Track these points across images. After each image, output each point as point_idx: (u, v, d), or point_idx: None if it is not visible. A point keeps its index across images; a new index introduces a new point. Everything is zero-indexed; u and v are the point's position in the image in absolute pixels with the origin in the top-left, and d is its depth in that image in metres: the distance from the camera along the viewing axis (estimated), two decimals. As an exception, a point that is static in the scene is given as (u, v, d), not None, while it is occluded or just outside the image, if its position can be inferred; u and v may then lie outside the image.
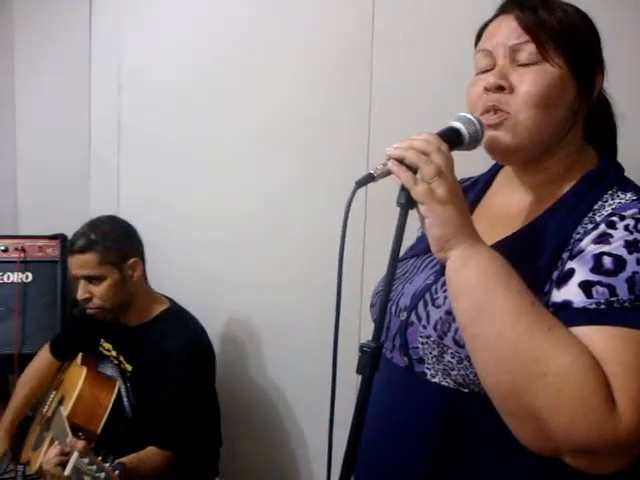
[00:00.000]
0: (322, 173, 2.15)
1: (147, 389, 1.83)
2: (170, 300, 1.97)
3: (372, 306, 1.14)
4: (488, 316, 0.85)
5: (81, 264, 1.79)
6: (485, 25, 1.05)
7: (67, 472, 1.45)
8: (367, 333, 0.91)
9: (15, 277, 2.53)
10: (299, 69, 2.20)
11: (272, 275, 2.25)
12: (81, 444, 1.47)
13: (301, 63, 2.20)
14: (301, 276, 2.20)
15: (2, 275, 2.52)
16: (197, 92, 2.45)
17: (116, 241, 1.82)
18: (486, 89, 0.97)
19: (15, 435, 2.38)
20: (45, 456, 1.62)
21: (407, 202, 0.89)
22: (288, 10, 2.21)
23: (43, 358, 2.14)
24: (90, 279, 1.79)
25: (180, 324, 1.88)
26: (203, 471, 1.95)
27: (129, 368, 1.88)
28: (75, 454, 1.47)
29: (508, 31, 0.97)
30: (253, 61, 2.29)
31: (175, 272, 2.31)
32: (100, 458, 1.45)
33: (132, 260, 1.83)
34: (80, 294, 1.81)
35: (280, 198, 2.24)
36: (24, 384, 2.12)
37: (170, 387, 1.76)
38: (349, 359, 0.93)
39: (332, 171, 2.12)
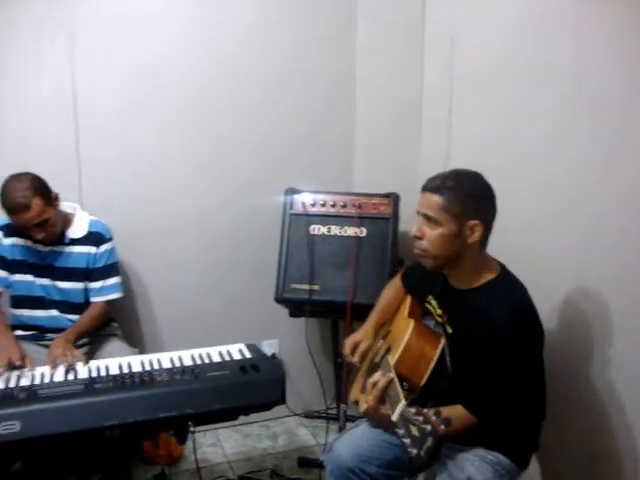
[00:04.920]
0: None
1: (466, 354, 1.81)
2: (502, 268, 1.90)
3: None
4: None
5: (426, 202, 1.79)
6: None
7: (394, 417, 1.52)
8: None
9: (352, 231, 2.73)
10: None
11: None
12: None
13: None
14: None
15: (342, 228, 2.73)
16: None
17: (468, 196, 1.77)
18: None
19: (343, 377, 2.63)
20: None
21: None
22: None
23: (394, 287, 2.25)
24: (428, 219, 1.80)
25: (508, 294, 1.81)
26: (522, 443, 1.89)
27: (449, 330, 1.88)
28: (403, 402, 1.53)
29: None
30: None
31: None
32: (426, 410, 1.48)
33: (474, 222, 1.77)
34: (414, 230, 1.83)
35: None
36: (383, 304, 2.25)
37: (492, 357, 1.72)
38: None
39: None
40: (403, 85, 3.10)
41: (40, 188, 2.32)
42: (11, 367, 2.08)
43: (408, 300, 2.12)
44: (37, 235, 2.34)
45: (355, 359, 2.12)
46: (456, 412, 1.71)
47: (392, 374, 1.70)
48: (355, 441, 1.98)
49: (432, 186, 1.80)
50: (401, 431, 1.46)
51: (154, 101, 2.83)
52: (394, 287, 2.25)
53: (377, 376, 1.73)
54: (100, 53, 2.71)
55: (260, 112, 2.99)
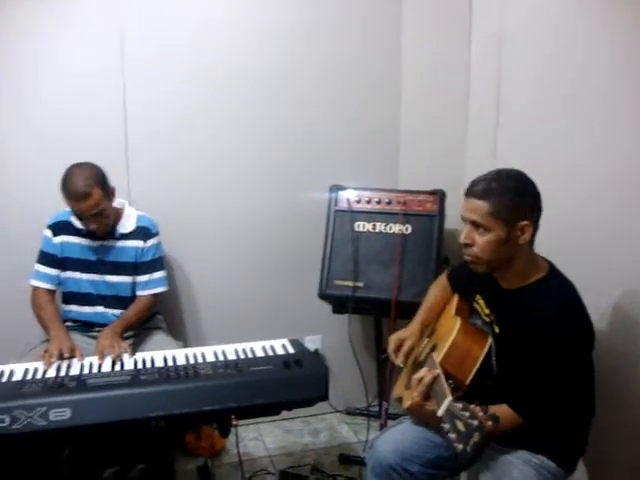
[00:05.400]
0: None
1: (513, 354, 1.78)
2: (551, 266, 1.86)
3: None
4: None
5: (473, 208, 1.75)
6: None
7: (440, 412, 1.51)
8: None
9: (397, 228, 2.71)
10: None
11: None
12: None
13: None
14: None
15: (386, 225, 2.72)
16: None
17: (515, 198, 1.72)
18: None
19: (386, 374, 2.62)
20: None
21: None
22: None
23: (440, 287, 2.23)
24: (477, 226, 1.77)
25: (557, 292, 1.77)
26: (569, 446, 1.85)
27: (497, 330, 1.86)
28: (449, 398, 1.51)
29: None
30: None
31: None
32: (473, 406, 1.46)
33: (524, 222, 1.74)
34: (462, 237, 1.79)
35: None
36: (427, 300, 2.23)
37: (540, 357, 1.68)
38: None
39: None
40: (449, 81, 3.07)
41: (101, 179, 2.38)
42: (61, 358, 2.13)
43: (455, 298, 2.10)
44: (90, 226, 2.39)
45: (399, 359, 2.09)
46: (502, 411, 1.68)
47: (438, 370, 1.68)
48: (397, 439, 1.96)
49: (477, 191, 1.75)
50: (447, 426, 1.45)
51: (202, 102, 2.87)
52: (440, 286, 2.23)
53: (423, 372, 1.71)
54: (150, 55, 2.77)
55: (306, 111, 3.00)
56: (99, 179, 2.36)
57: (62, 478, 2.24)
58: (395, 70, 3.09)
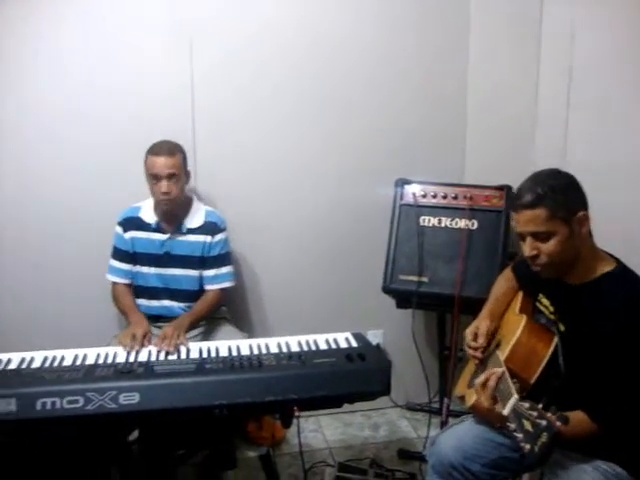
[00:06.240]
0: None
1: (581, 352, 1.73)
2: (617, 261, 1.80)
3: None
4: None
5: (529, 220, 1.72)
6: None
7: (506, 412, 1.48)
8: None
9: (462, 223, 2.68)
10: None
11: None
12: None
13: None
14: None
15: (452, 220, 2.69)
16: None
17: (564, 194, 1.70)
18: None
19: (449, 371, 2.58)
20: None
21: None
22: None
23: (505, 279, 2.19)
24: (537, 235, 1.73)
25: (626, 287, 1.71)
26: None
27: (562, 328, 1.81)
28: (515, 396, 1.49)
29: None
30: None
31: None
32: (541, 406, 1.43)
33: (581, 213, 1.71)
34: (527, 251, 1.76)
35: None
36: (494, 291, 2.19)
37: (611, 356, 1.63)
38: None
39: None
40: (518, 76, 3.00)
41: (184, 154, 2.56)
42: (136, 342, 2.20)
43: (519, 296, 2.05)
44: (162, 188, 2.45)
45: (480, 340, 1.98)
46: (578, 418, 1.63)
47: (503, 368, 1.65)
48: (459, 437, 1.94)
49: (526, 202, 1.72)
50: (513, 425, 1.42)
51: (269, 99, 2.90)
52: (506, 278, 2.18)
53: (486, 374, 1.68)
54: (218, 54, 2.82)
55: (372, 104, 2.99)
56: (183, 152, 2.55)
57: (133, 459, 2.32)
58: (462, 64, 3.04)
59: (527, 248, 1.76)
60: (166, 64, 2.77)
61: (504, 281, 2.19)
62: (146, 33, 2.74)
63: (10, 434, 1.86)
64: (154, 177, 2.46)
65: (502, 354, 1.76)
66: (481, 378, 1.69)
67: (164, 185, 2.45)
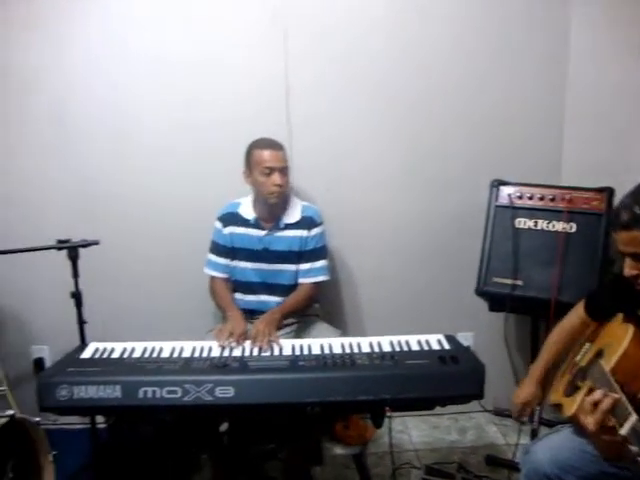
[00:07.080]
0: None
1: None
2: None
3: None
4: None
5: (629, 241, 1.63)
6: None
7: (624, 432, 1.40)
8: None
9: (560, 226, 2.59)
10: None
11: None
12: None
13: None
14: None
15: (549, 223, 2.61)
16: None
17: None
18: None
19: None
20: (583, 403, 1.62)
21: None
22: None
23: (577, 316, 2.10)
24: (637, 257, 1.65)
25: None
26: None
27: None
28: (634, 416, 1.41)
29: None
30: None
31: None
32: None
33: None
34: (627, 271, 1.68)
35: None
36: (556, 342, 2.12)
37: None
38: None
39: None
40: (619, 73, 2.87)
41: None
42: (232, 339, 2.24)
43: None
44: (277, 180, 2.51)
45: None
46: None
47: (618, 395, 1.53)
48: (555, 447, 1.88)
49: (625, 222, 1.62)
50: (635, 448, 1.35)
51: (363, 94, 2.91)
52: (570, 326, 2.10)
53: (598, 395, 1.56)
54: (309, 46, 2.85)
55: (469, 104, 2.96)
56: (285, 147, 2.61)
57: (223, 449, 2.38)
58: (561, 60, 2.94)
59: (627, 268, 1.68)
60: (260, 60, 2.85)
61: (565, 334, 2.11)
62: (239, 28, 2.82)
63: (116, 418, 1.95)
64: (267, 170, 2.51)
65: (607, 364, 1.69)
66: (595, 396, 1.57)
67: (277, 178, 2.50)
